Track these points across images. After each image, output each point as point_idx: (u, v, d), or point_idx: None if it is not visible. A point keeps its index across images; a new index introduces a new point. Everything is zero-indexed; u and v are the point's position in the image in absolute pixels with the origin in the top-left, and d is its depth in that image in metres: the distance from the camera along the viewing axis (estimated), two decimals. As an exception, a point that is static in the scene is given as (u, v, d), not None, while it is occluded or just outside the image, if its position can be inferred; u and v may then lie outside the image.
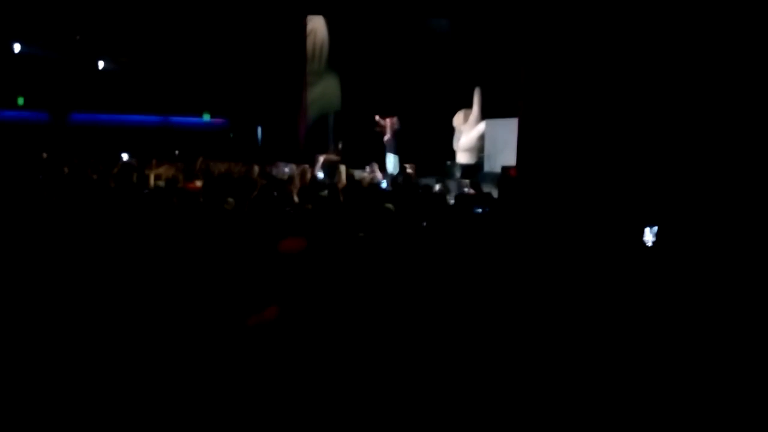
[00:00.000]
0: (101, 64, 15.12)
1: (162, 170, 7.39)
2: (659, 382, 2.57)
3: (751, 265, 3.53)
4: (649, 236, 4.08)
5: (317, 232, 3.99)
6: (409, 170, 9.08)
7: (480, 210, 4.84)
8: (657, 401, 2.49)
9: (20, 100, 15.42)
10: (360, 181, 7.59)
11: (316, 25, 13.44)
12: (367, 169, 9.15)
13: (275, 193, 5.52)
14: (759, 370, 2.59)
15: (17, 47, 13.29)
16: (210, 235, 4.14)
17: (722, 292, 3.13)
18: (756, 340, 2.76)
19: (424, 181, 8.18)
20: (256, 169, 8.68)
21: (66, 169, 8.19)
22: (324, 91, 13.63)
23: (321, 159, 10.37)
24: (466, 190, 7.03)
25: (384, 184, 7.88)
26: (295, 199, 5.57)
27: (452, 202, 5.84)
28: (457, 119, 11.19)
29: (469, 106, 10.99)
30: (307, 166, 9.31)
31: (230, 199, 4.79)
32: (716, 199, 4.81)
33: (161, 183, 6.35)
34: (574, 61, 6.12)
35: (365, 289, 3.20)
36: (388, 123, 11.78)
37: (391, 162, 11.43)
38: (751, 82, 4.84)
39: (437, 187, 6.88)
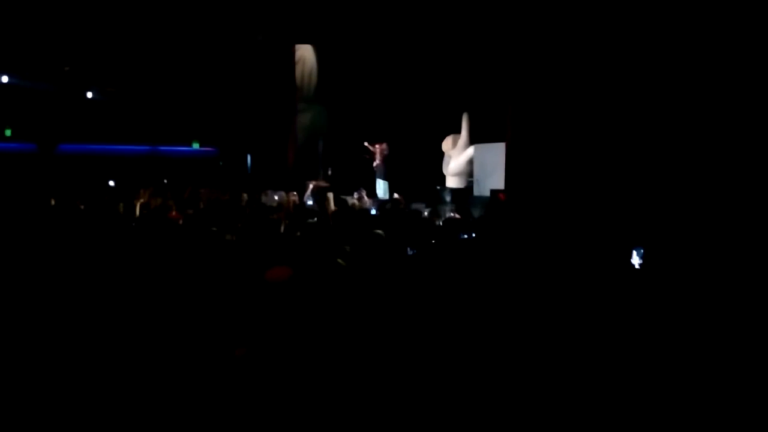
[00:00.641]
0: (89, 95, 15.13)
1: (149, 200, 7.35)
2: (649, 404, 2.56)
3: (737, 283, 3.54)
4: (636, 259, 4.09)
5: (306, 259, 3.97)
6: (397, 196, 9.08)
7: (466, 235, 4.83)
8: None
9: (8, 132, 15.39)
10: (350, 207, 7.58)
11: (305, 54, 13.56)
12: (355, 194, 9.16)
13: (263, 221, 5.49)
14: (745, 385, 2.58)
15: (4, 78, 13.27)
16: (197, 265, 4.11)
17: (712, 311, 3.13)
18: (743, 353, 2.76)
19: (414, 206, 8.18)
20: (245, 197, 8.65)
21: (53, 201, 8.12)
22: (313, 119, 13.70)
23: (311, 186, 10.39)
24: (452, 214, 7.04)
25: (373, 210, 7.88)
26: (283, 227, 5.54)
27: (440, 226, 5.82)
28: (446, 144, 11.25)
29: (458, 131, 11.06)
30: (294, 193, 9.31)
31: (228, 235, 4.77)
32: (704, 220, 4.84)
33: (147, 212, 6.31)
34: (560, 86, 6.18)
35: (353, 316, 3.18)
36: (378, 149, 11.85)
37: (381, 188, 11.46)
38: (733, 110, 4.92)
39: (426, 212, 6.87)
